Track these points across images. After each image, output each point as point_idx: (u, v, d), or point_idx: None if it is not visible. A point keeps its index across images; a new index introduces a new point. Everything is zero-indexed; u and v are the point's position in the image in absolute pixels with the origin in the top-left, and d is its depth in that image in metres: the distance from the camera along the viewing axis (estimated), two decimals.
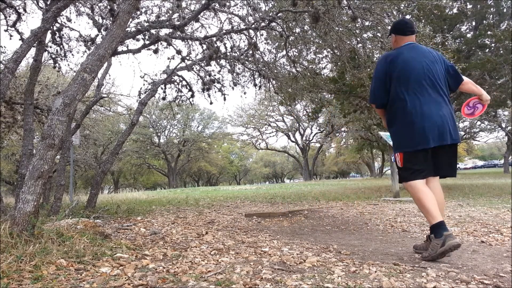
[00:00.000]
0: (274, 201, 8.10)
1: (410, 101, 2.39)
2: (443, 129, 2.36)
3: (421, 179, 2.39)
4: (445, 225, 2.25)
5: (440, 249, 2.18)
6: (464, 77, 2.60)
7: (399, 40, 2.63)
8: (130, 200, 8.92)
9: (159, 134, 31.50)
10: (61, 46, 6.06)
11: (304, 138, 34.48)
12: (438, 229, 2.23)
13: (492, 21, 9.21)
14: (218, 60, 6.53)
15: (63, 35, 6.00)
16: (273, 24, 5.78)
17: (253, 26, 5.72)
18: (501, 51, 8.60)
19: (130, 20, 4.87)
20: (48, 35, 5.58)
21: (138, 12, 5.88)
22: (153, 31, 5.44)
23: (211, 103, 11.59)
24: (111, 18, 4.38)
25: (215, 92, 7.37)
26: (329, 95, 10.31)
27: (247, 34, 6.35)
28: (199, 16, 5.90)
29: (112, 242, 2.75)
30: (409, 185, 2.41)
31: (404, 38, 2.61)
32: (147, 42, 5.74)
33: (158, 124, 30.75)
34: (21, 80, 7.12)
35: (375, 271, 2.04)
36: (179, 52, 5.85)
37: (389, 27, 2.81)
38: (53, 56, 6.15)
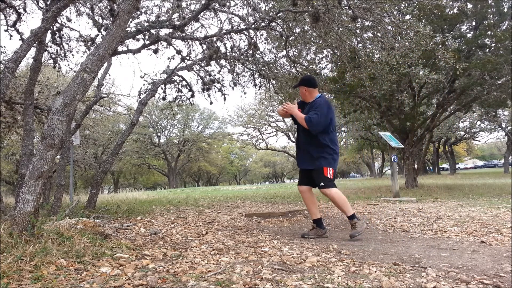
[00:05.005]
0: (274, 201, 8.09)
1: (335, 137, 3.38)
2: None
3: None
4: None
5: (364, 226, 3.33)
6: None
7: (312, 92, 3.42)
8: (130, 200, 8.91)
9: (159, 134, 31.49)
10: (61, 46, 6.05)
11: None
12: (354, 217, 3.34)
13: (492, 21, 9.20)
14: (218, 60, 6.51)
15: (63, 35, 5.99)
16: (273, 24, 5.78)
17: (253, 26, 5.71)
18: (501, 51, 8.59)
19: (130, 20, 4.88)
20: (48, 35, 5.57)
21: (138, 12, 5.88)
22: (153, 31, 5.44)
23: (211, 103, 11.62)
24: (111, 18, 4.38)
25: (215, 92, 7.36)
26: (329, 95, 10.30)
27: (247, 34, 6.35)
28: (199, 16, 5.90)
29: (112, 242, 2.75)
30: (335, 191, 3.33)
31: (316, 90, 3.43)
32: (147, 42, 5.73)
33: (158, 124, 30.73)
34: (21, 80, 7.10)
35: (375, 271, 2.04)
36: (179, 52, 5.84)
37: (301, 80, 3.59)
38: (53, 56, 6.14)
